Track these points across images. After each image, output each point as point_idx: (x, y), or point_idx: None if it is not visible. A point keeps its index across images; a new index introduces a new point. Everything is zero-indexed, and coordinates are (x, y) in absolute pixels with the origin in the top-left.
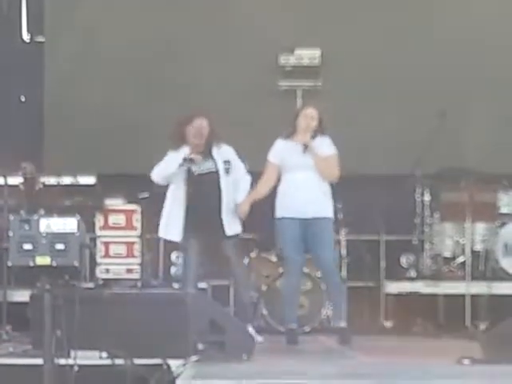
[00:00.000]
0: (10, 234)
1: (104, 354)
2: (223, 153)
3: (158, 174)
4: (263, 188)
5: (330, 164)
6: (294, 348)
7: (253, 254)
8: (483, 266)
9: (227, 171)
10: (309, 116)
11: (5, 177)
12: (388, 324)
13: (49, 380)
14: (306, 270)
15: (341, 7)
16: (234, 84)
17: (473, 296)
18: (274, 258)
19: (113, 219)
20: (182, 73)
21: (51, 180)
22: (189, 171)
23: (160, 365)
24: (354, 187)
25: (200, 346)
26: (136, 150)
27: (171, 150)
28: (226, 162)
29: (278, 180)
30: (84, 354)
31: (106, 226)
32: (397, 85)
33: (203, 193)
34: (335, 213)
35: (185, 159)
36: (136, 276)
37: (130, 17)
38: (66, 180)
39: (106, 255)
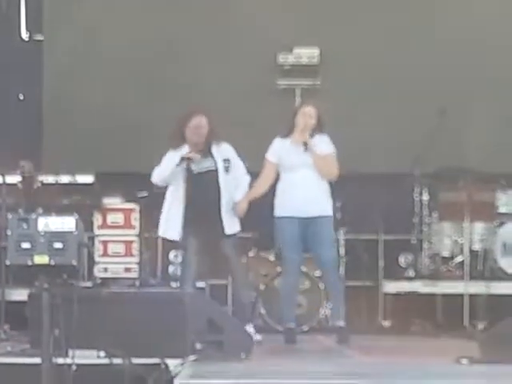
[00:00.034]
0: (8, 232)
1: (102, 353)
2: (223, 151)
3: (158, 175)
4: (261, 187)
5: (328, 162)
6: (292, 347)
7: (251, 253)
8: (482, 265)
9: (227, 170)
10: (307, 114)
11: (3, 175)
12: (386, 323)
13: (47, 379)
14: (304, 269)
15: (340, 6)
16: (233, 83)
17: (471, 296)
18: (272, 257)
19: (111, 218)
20: (183, 72)
21: (49, 179)
22: (188, 170)
23: (158, 364)
24: (353, 186)
25: (198, 346)
26: (135, 149)
27: (171, 149)
28: (226, 161)
29: (277, 179)
30: (82, 353)
31: (104, 225)
32: (396, 84)
33: (203, 191)
34: (334, 212)
35: (182, 158)
36: (134, 275)
37: (130, 16)
38: (65, 179)
39: (105, 254)
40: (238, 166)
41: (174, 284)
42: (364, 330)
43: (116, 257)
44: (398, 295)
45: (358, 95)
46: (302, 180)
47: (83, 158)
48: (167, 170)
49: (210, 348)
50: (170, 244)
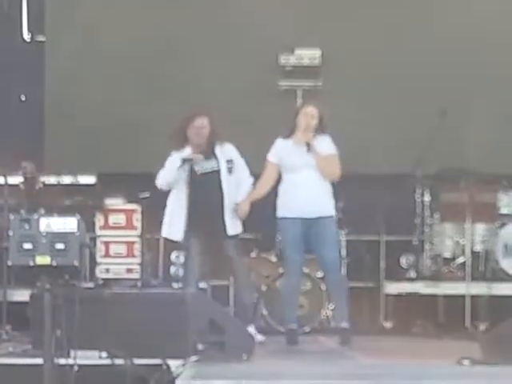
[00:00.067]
0: (10, 233)
1: (104, 354)
2: (226, 152)
3: (162, 179)
4: (263, 187)
5: (331, 163)
6: (293, 348)
7: (253, 254)
8: (483, 266)
9: (230, 170)
10: (309, 114)
11: (5, 176)
12: (388, 324)
13: (49, 380)
14: (305, 270)
15: (341, 7)
16: (234, 83)
17: (473, 297)
18: (273, 258)
19: (113, 219)
20: (183, 71)
21: (51, 179)
22: (191, 170)
23: (160, 365)
24: (354, 187)
25: (200, 346)
26: (137, 149)
27: (174, 151)
28: (229, 161)
29: (278, 180)
30: (84, 353)
31: (106, 226)
32: (397, 84)
33: (206, 192)
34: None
35: (184, 160)
36: (136, 276)
37: (130, 15)
38: (66, 179)
39: (106, 255)
40: (242, 168)
41: (175, 285)
42: (365, 331)
43: (118, 257)
44: (399, 296)
45: (360, 96)
46: (305, 180)
47: (85, 159)
48: (170, 173)
49: (212, 349)
50: (171, 245)
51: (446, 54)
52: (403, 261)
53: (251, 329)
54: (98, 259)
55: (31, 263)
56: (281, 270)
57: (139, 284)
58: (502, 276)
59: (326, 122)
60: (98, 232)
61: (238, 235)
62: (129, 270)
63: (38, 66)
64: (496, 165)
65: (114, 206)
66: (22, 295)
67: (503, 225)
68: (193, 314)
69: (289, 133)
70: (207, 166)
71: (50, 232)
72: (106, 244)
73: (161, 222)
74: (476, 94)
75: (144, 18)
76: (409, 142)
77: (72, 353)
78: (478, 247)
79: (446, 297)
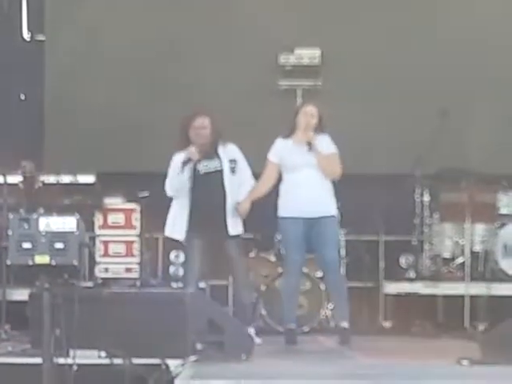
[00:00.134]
0: (10, 232)
1: (103, 354)
2: (229, 152)
3: (170, 188)
4: (263, 187)
5: (332, 161)
6: (292, 348)
7: (252, 254)
8: (482, 266)
9: (233, 170)
10: (309, 114)
11: (4, 175)
12: (387, 324)
13: (48, 379)
14: (305, 270)
15: (341, 7)
16: (235, 84)
17: (472, 297)
18: (272, 258)
19: (112, 218)
20: (185, 72)
21: (51, 179)
22: (195, 170)
23: (158, 364)
24: (354, 187)
25: (199, 346)
26: (137, 149)
27: (176, 152)
28: (232, 161)
29: (279, 179)
30: (83, 353)
31: (105, 225)
32: (398, 85)
33: (208, 192)
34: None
35: (183, 163)
36: (135, 275)
37: (133, 17)
38: (66, 179)
39: (105, 254)
40: (245, 168)
41: (174, 284)
42: (365, 331)
43: (117, 257)
44: (398, 296)
45: (360, 96)
46: (306, 180)
47: (84, 158)
48: (175, 179)
49: (211, 349)
50: (170, 244)
51: (448, 55)
52: (402, 261)
53: (251, 330)
54: (97, 258)
55: (30, 262)
56: (280, 270)
57: (138, 283)
58: (501, 276)
59: (325, 121)
60: (97, 231)
61: (239, 235)
62: (128, 270)
63: (37, 65)
64: (496, 165)
65: (113, 206)
66: (21, 294)
67: (503, 225)
68: (192, 313)
69: (289, 132)
70: (210, 165)
71: (50, 231)
72: (105, 243)
73: (160, 221)
74: (478, 96)
75: (146, 19)
76: (409, 143)
77: (71, 352)
78: (478, 247)
79: (446, 297)
